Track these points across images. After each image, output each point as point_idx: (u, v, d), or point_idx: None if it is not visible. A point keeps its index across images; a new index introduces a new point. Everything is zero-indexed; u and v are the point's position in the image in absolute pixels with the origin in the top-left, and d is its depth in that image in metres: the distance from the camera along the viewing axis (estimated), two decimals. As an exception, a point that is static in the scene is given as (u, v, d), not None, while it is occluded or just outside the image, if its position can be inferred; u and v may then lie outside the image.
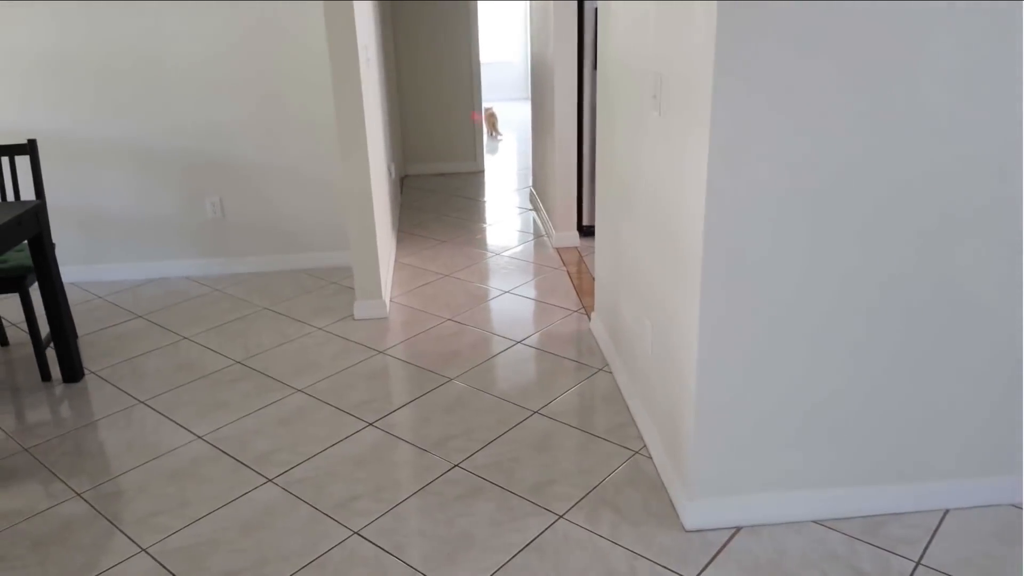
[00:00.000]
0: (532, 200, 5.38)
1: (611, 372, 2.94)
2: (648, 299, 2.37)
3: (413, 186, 6.00)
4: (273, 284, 4.01)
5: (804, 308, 1.87)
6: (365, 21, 3.50)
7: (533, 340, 3.25)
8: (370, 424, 2.65)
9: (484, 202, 5.51)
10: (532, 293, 3.78)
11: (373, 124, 3.64)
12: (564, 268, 4.11)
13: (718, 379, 1.92)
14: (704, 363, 1.90)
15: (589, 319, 3.44)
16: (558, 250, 4.39)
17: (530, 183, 5.99)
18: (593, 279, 3.92)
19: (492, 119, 8.04)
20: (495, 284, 3.91)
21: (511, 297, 3.74)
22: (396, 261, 4.30)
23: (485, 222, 5.01)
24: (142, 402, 2.87)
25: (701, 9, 1.72)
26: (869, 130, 1.73)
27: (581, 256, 4.28)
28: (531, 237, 4.68)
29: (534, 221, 5.02)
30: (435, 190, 5.86)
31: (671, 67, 2.01)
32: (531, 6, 4.92)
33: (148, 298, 3.88)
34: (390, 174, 4.54)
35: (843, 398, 1.97)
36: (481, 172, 6.39)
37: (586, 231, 4.55)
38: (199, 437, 2.62)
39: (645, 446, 2.45)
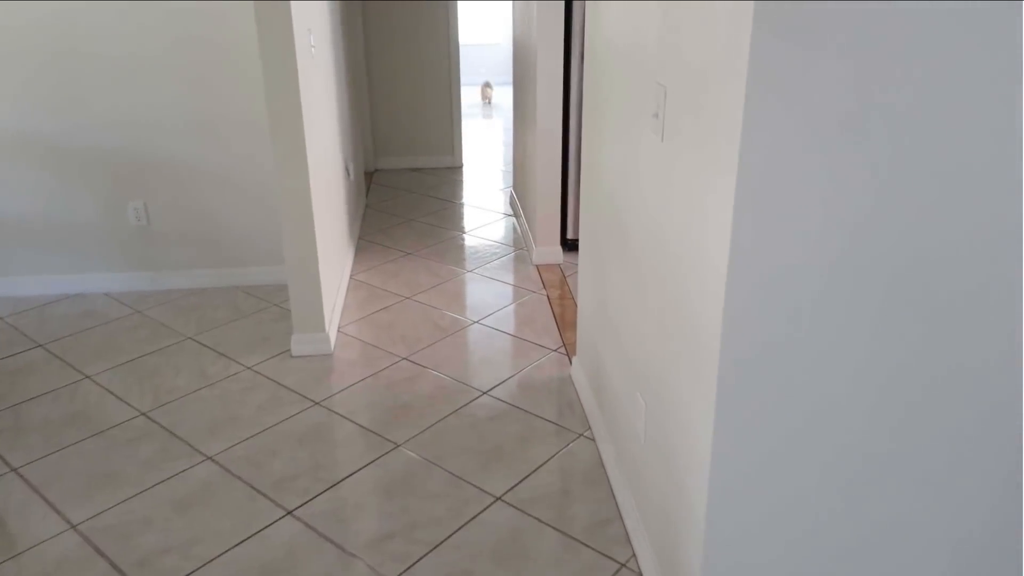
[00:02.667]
0: (512, 204, 4.81)
1: (594, 439, 2.41)
2: (642, 371, 1.83)
3: (382, 183, 5.42)
4: (205, 305, 3.44)
5: (858, 411, 1.34)
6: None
7: (503, 391, 2.71)
8: (289, 513, 2.11)
9: (460, 205, 4.94)
10: (506, 324, 3.23)
11: (319, 121, 3.06)
12: (544, 292, 3.56)
13: (735, 498, 1.39)
14: (719, 480, 1.36)
15: (570, 362, 2.90)
16: (539, 268, 3.84)
17: (512, 183, 5.41)
18: (576, 307, 3.37)
19: (486, 89, 9.14)
20: (463, 311, 3.36)
21: (481, 330, 3.19)
22: (351, 278, 3.74)
23: (459, 230, 4.45)
24: (14, 470, 2.32)
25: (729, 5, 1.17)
26: (949, 183, 1.19)
27: (564, 277, 3.72)
28: (510, 250, 4.12)
29: (514, 229, 4.46)
30: (407, 188, 5.28)
31: (679, 78, 1.45)
32: (515, -15, 4.33)
33: (56, 320, 3.31)
34: (348, 175, 3.96)
35: (894, 531, 1.44)
36: (459, 168, 5.81)
37: (571, 245, 4.00)
38: (72, 526, 2.07)
39: (634, 556, 1.92)
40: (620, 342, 2.05)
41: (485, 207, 4.89)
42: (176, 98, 3.33)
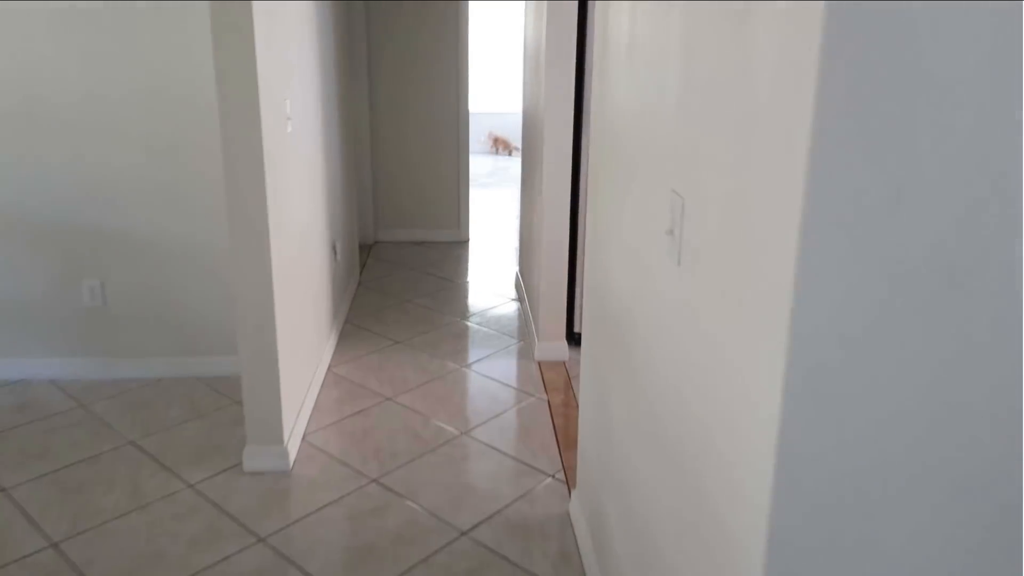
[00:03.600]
0: (518, 287, 4.41)
1: (593, 610, 1.93)
2: (657, 566, 1.37)
3: (381, 257, 5.05)
4: (159, 400, 3.03)
5: None
6: (286, 64, 2.58)
7: (487, 531, 2.24)
8: None
9: (462, 285, 4.55)
10: (498, 438, 2.78)
11: (294, 197, 2.70)
12: (546, 396, 3.11)
13: None
14: None
15: (569, 494, 2.43)
16: (541, 366, 3.40)
17: (517, 260, 5.02)
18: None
19: (503, 142, 9.73)
20: (450, 418, 2.92)
21: (468, 444, 2.74)
22: (328, 371, 3.32)
23: (458, 315, 4.04)
24: None
25: (778, 70, 0.76)
26: None
27: (569, 378, 3.28)
28: (512, 341, 3.69)
29: (519, 316, 4.04)
30: (406, 264, 4.91)
31: (702, 189, 1.05)
32: (524, 50, 4.03)
33: (-12, 413, 2.91)
34: (335, 254, 3.59)
35: None
36: (465, 243, 5.44)
37: (579, 339, 3.57)
38: None
39: None
40: (626, 502, 1.60)
41: (489, 289, 4.49)
42: (138, 164, 2.99)
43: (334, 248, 3.56)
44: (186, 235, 3.07)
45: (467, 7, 5.02)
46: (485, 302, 4.24)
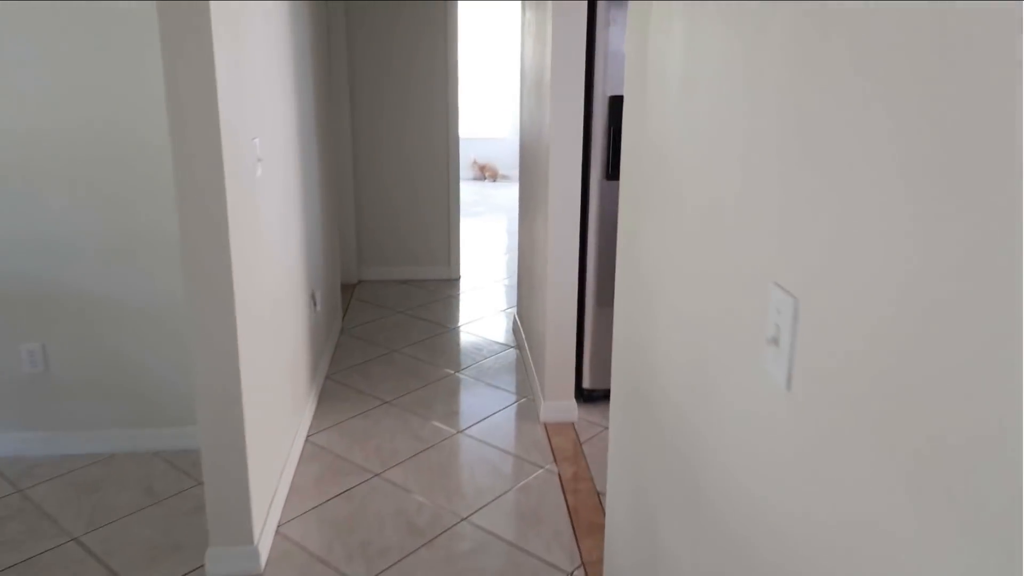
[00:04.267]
0: (516, 332, 4.05)
1: None
2: None
3: (365, 298, 4.67)
4: (109, 480, 2.63)
5: None
6: (256, 97, 2.22)
7: (496, 656, 1.86)
8: None
9: (455, 331, 4.17)
10: (502, 523, 2.41)
11: (266, 245, 2.33)
12: (555, 467, 2.74)
13: None
14: None
15: (593, 601, 2.06)
16: (547, 428, 3.04)
17: (516, 301, 4.67)
18: (598, 495, 2.55)
19: (489, 169, 9.44)
20: (448, 498, 2.54)
21: (468, 532, 2.36)
22: (307, 440, 2.93)
23: (452, 367, 3.66)
24: None
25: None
26: None
27: (580, 444, 2.91)
28: (512, 398, 3.32)
29: (518, 366, 3.67)
30: (393, 306, 4.53)
31: (833, 282, 0.69)
32: (522, 77, 3.70)
33: (-93, 503, 2.50)
34: (314, 305, 3.21)
35: None
36: (456, 281, 5.08)
37: (589, 396, 3.21)
38: None
39: None
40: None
41: (484, 334, 4.12)
42: (84, 212, 2.61)
43: (313, 298, 3.18)
44: (141, 291, 2.69)
45: (455, 29, 4.70)
46: (480, 351, 3.87)
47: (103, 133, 2.56)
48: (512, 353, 3.83)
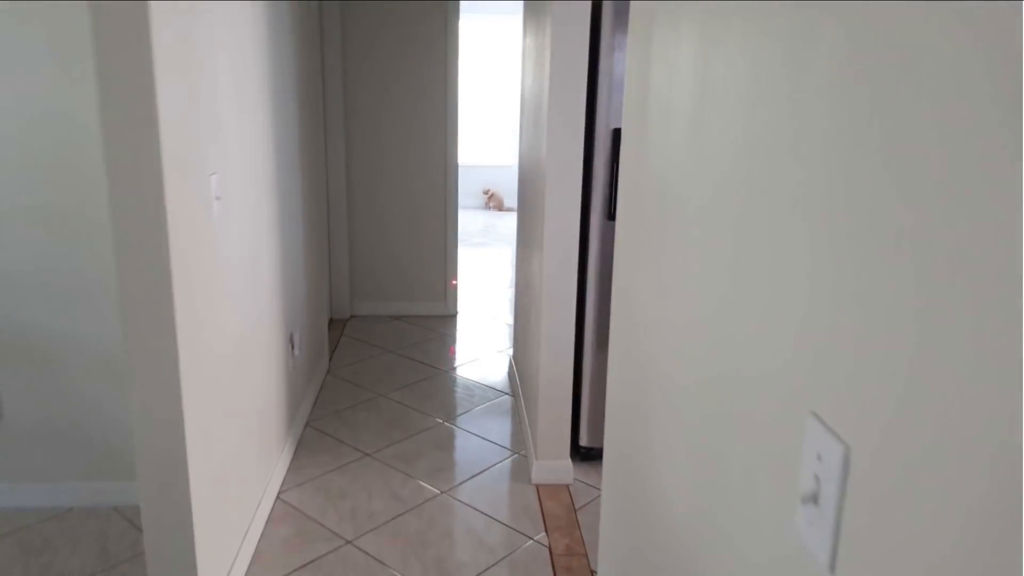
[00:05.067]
0: (511, 378, 3.79)
1: None
2: None
3: (356, 335, 4.44)
4: (63, 538, 2.39)
5: None
6: (215, 124, 2.01)
7: None
8: None
9: (448, 374, 3.93)
10: (485, 606, 2.14)
11: (225, 295, 2.10)
12: (546, 537, 2.48)
13: None
14: None
15: None
16: (540, 491, 2.77)
17: (511, 344, 4.42)
18: (592, 574, 2.28)
19: (495, 199, 9.21)
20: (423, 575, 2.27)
21: (446, 618, 2.09)
22: (278, 498, 2.68)
23: (442, 415, 3.41)
24: None
25: None
26: None
27: (575, 510, 2.64)
28: (506, 454, 3.06)
29: (513, 416, 3.42)
30: (383, 345, 4.29)
31: (901, 427, 0.43)
32: (521, 101, 3.49)
33: None
34: (292, 349, 2.97)
35: None
36: (453, 317, 4.84)
37: (585, 455, 2.95)
38: None
39: None
40: None
41: (478, 378, 3.87)
42: (33, 248, 2.40)
43: (291, 340, 2.95)
44: (102, 334, 2.47)
45: (456, 47, 4.51)
46: (473, 397, 3.61)
47: (60, 166, 2.35)
48: (507, 401, 3.57)
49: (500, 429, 3.27)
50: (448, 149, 4.61)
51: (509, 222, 8.70)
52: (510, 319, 4.85)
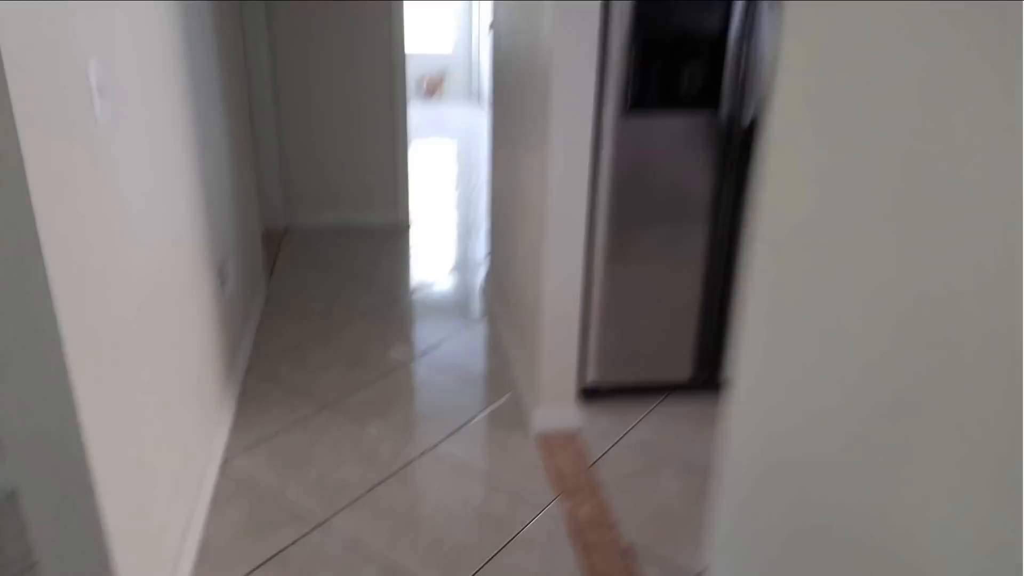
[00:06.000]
0: (489, 299, 3.30)
1: None
2: None
3: (295, 254, 3.82)
4: (-71, 552, 1.82)
5: None
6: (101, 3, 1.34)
7: None
8: None
9: (408, 298, 3.39)
10: (503, 604, 1.72)
11: (127, 224, 1.50)
12: (562, 506, 2.05)
13: None
14: None
15: None
16: (543, 443, 2.34)
17: (485, 259, 3.91)
18: (627, 548, 1.88)
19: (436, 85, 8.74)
20: (422, 566, 1.83)
21: (457, 626, 1.67)
22: (223, 468, 2.16)
23: (408, 354, 2.90)
24: None
25: None
26: None
27: (587, 464, 2.22)
28: (492, 396, 2.60)
29: (493, 350, 2.94)
30: (330, 264, 3.70)
31: None
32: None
33: None
34: (222, 283, 2.37)
35: None
36: (406, 229, 4.25)
37: (593, 394, 2.52)
38: None
39: None
40: None
41: (445, 302, 3.35)
42: None
43: (221, 272, 2.35)
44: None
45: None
46: (443, 327, 3.11)
47: None
48: (482, 331, 3.08)
49: (479, 364, 2.79)
50: (393, 32, 3.88)
51: (452, 112, 8.00)
52: (467, 228, 4.30)
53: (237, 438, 2.29)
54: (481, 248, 3.98)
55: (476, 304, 3.31)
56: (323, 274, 3.55)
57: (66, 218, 1.17)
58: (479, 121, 7.68)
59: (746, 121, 2.21)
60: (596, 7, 1.96)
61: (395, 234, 4.14)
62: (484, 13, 8.00)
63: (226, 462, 2.18)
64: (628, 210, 2.27)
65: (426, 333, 3.02)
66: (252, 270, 3.00)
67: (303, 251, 3.83)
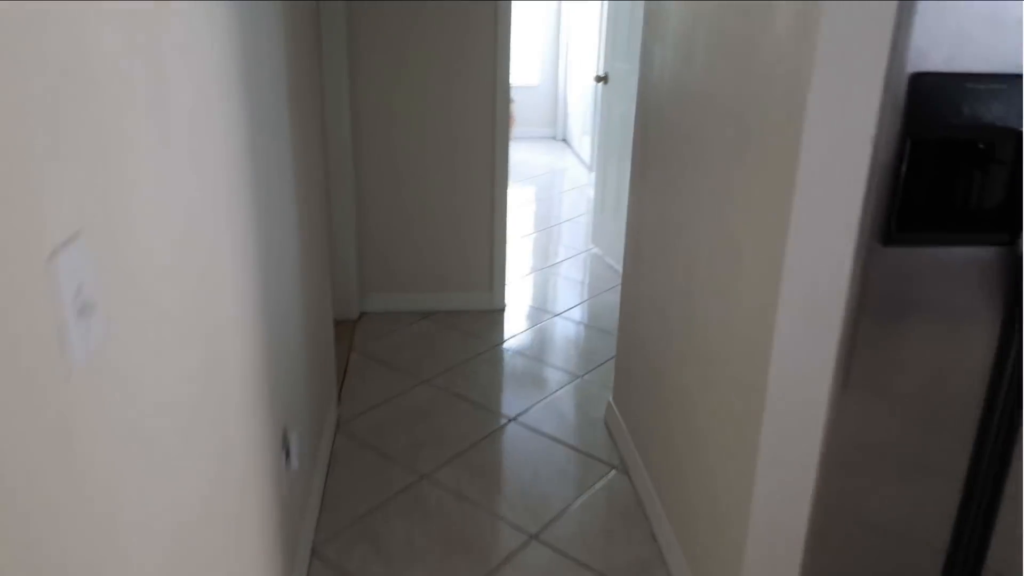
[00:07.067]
0: (613, 433, 2.57)
1: None
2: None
3: (370, 349, 3.16)
4: None
5: None
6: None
7: None
8: None
9: (512, 426, 2.68)
10: None
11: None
12: None
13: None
14: None
15: None
16: None
17: (605, 365, 3.19)
18: None
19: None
20: None
21: None
22: None
23: (517, 518, 2.18)
24: None
25: None
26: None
27: None
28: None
29: (632, 513, 2.21)
30: (410, 368, 3.02)
31: None
32: None
33: None
34: (287, 460, 1.71)
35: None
36: (500, 312, 3.57)
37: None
38: None
39: None
40: None
41: (559, 430, 2.63)
42: None
43: (286, 450, 1.68)
44: None
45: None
46: (565, 476, 2.38)
47: None
48: (619, 482, 2.34)
49: (622, 554, 2.05)
50: (497, 74, 3.23)
51: (522, 149, 7.37)
52: (566, 308, 3.60)
53: None
54: (584, 332, 3.28)
55: (594, 430, 2.59)
56: (402, 383, 2.88)
57: None
58: (562, 162, 7.00)
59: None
60: (878, 76, 1.24)
61: (487, 319, 3.46)
62: (572, 43, 7.32)
63: None
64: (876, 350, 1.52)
65: (540, 492, 2.29)
66: (323, 399, 2.34)
67: (378, 346, 3.17)
